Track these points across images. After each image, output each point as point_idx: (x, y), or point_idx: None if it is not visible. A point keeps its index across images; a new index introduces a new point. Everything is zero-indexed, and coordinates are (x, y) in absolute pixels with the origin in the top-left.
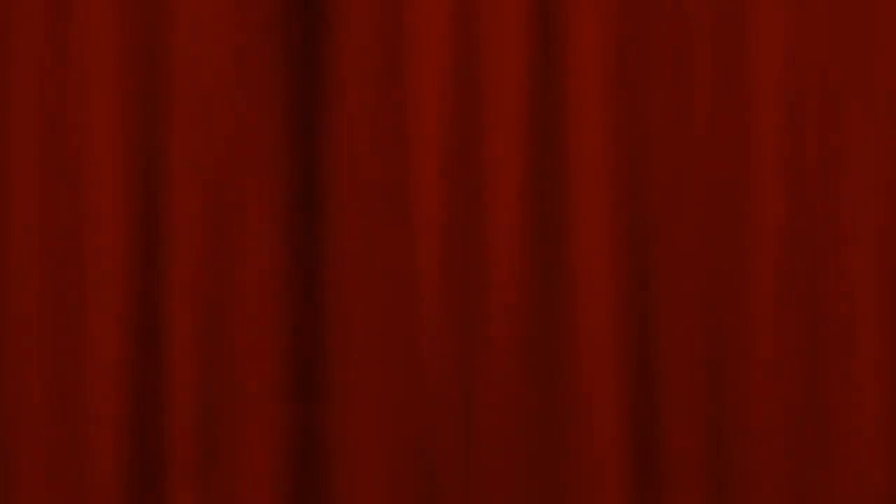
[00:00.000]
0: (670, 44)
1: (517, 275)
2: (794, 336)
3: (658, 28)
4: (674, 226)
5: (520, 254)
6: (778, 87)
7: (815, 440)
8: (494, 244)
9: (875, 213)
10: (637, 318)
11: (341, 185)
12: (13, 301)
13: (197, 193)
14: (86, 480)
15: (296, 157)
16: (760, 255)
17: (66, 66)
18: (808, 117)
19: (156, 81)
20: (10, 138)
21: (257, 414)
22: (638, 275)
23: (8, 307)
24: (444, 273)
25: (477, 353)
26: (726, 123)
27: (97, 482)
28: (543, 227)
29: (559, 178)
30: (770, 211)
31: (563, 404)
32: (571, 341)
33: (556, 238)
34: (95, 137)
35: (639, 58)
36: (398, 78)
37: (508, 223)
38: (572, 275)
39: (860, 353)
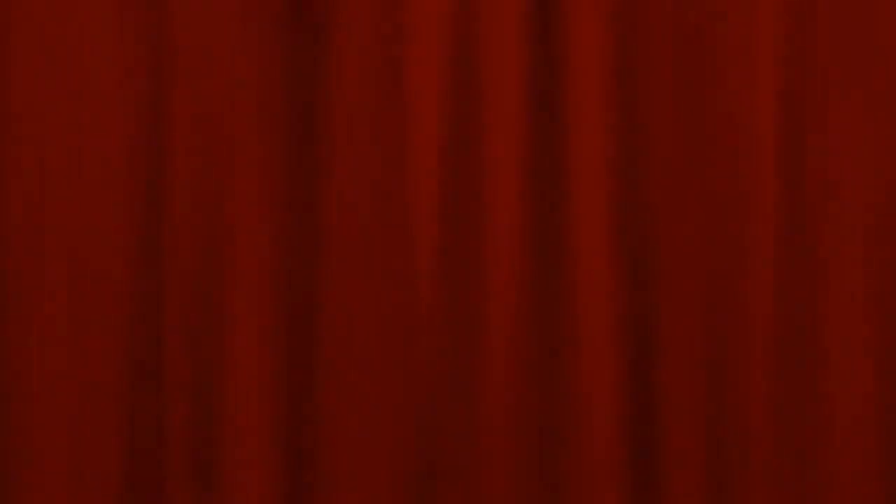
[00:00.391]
0: (670, 44)
1: (517, 275)
2: (794, 336)
3: (658, 28)
4: (674, 226)
5: (520, 254)
6: (778, 86)
7: (814, 441)
8: (494, 244)
9: (874, 212)
10: (637, 319)
11: (339, 185)
12: (11, 300)
13: (195, 193)
14: (84, 480)
15: (293, 157)
16: (760, 255)
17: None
18: (807, 116)
19: (155, 84)
20: (11, 135)
21: (254, 414)
22: (638, 275)
23: (8, 306)
24: (443, 273)
25: (476, 353)
26: (726, 123)
27: (96, 482)
28: (543, 227)
29: (559, 178)
30: (770, 210)
31: (562, 405)
32: (571, 342)
33: (555, 238)
34: (97, 136)
35: (639, 58)
36: (397, 78)
37: (508, 223)
38: (572, 275)
39: (859, 353)
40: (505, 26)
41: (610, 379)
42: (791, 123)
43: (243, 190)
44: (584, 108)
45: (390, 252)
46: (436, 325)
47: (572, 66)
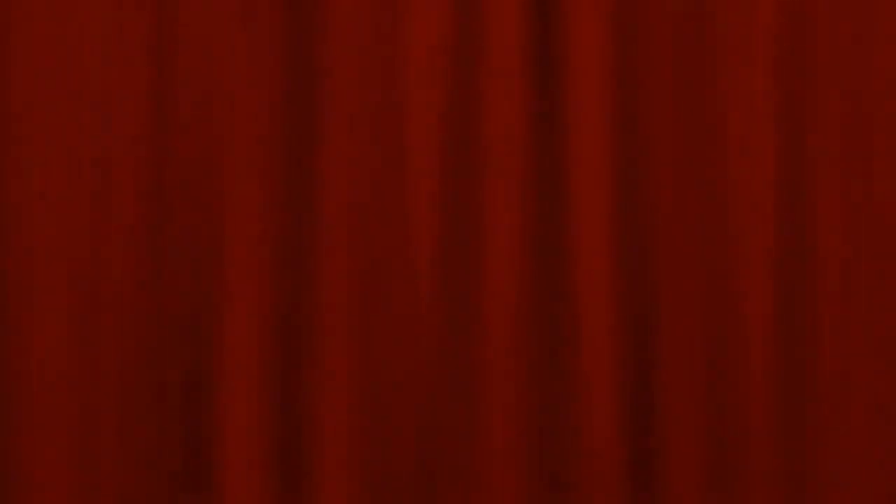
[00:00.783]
0: (670, 44)
1: (517, 275)
2: (794, 336)
3: (658, 28)
4: (674, 226)
5: (520, 254)
6: (777, 86)
7: (814, 441)
8: (494, 244)
9: (873, 212)
10: (637, 319)
11: (339, 185)
12: (11, 298)
13: (194, 192)
14: (84, 479)
15: (293, 157)
16: (760, 255)
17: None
18: (807, 116)
19: (155, 83)
20: (12, 135)
21: (254, 416)
22: (638, 275)
23: (7, 305)
24: (443, 273)
25: (476, 353)
26: (726, 123)
27: (95, 481)
28: (543, 227)
29: (559, 179)
30: (769, 210)
31: (562, 405)
32: (571, 342)
33: (555, 238)
34: (97, 135)
35: (638, 58)
36: (396, 78)
37: (508, 223)
38: (572, 275)
39: (859, 353)
40: (505, 26)
41: (610, 379)
42: (790, 123)
43: (242, 189)
44: (584, 108)
45: (390, 252)
46: (436, 325)
47: (572, 66)
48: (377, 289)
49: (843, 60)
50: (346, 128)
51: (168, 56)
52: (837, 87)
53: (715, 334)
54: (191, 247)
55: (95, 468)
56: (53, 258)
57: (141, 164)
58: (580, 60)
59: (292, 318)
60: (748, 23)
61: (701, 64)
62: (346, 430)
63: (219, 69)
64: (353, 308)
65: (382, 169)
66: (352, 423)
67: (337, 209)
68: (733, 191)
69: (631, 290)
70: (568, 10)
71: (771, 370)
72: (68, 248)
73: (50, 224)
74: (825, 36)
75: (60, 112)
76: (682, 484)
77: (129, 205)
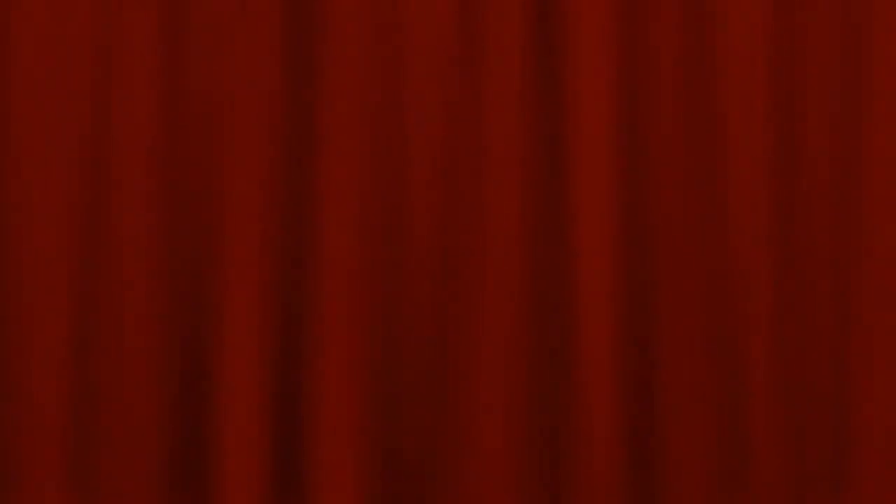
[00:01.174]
0: (671, 43)
1: (517, 275)
2: (793, 336)
3: (659, 27)
4: (673, 226)
5: (520, 253)
6: (776, 85)
7: (814, 442)
8: (495, 244)
9: (872, 211)
10: (636, 320)
11: (338, 183)
12: (12, 298)
13: (191, 191)
14: (86, 475)
15: (293, 156)
16: (759, 256)
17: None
18: (807, 115)
19: (156, 84)
20: (12, 135)
21: (254, 415)
22: (637, 275)
23: (9, 304)
24: (443, 273)
25: (476, 353)
26: (727, 123)
27: (97, 477)
28: (544, 226)
29: (560, 179)
30: (769, 212)
31: (562, 406)
32: (571, 343)
33: (557, 238)
34: (97, 135)
35: (640, 57)
36: (395, 78)
37: (508, 223)
38: (573, 275)
39: (858, 353)
40: (505, 26)
41: (610, 379)
42: (790, 123)
43: (242, 189)
44: (585, 107)
45: (390, 252)
46: (436, 324)
47: (573, 66)
48: (377, 288)
49: (842, 61)
50: (346, 128)
51: (168, 56)
52: (837, 87)
53: (715, 334)
54: (191, 247)
55: (95, 467)
56: (53, 259)
57: (141, 164)
58: (581, 60)
59: (292, 317)
60: (748, 23)
61: (701, 64)
62: (345, 429)
63: (219, 69)
64: (353, 307)
65: (382, 169)
66: (351, 423)
67: (337, 209)
68: (733, 191)
69: (631, 289)
70: (568, 10)
71: (771, 370)
72: (68, 249)
73: (50, 224)
74: (824, 36)
75: (60, 112)
76: (683, 485)
77: (129, 205)
